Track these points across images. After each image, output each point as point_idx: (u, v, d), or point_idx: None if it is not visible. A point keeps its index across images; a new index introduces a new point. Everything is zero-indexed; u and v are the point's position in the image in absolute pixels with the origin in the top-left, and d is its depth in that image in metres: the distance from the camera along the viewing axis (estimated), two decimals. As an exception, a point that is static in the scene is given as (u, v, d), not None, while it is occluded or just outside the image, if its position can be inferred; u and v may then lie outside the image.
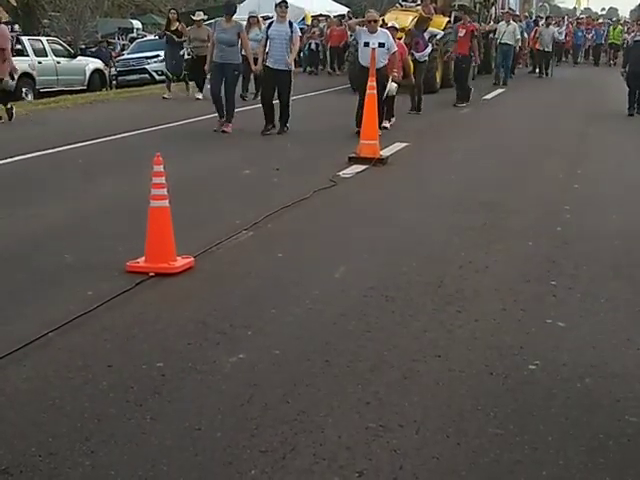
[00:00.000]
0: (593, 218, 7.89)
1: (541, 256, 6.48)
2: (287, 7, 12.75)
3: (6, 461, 3.38)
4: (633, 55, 16.55)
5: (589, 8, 79.01)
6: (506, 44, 22.83)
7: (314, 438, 3.58)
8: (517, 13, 28.49)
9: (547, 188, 9.24)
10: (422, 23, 16.19)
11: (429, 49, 15.93)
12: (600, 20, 40.02)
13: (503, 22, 23.70)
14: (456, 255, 6.44)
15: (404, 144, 12.00)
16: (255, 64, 13.09)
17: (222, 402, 3.91)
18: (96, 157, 10.67)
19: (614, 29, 35.39)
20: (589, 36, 35.27)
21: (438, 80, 20.34)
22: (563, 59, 34.82)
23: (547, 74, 27.10)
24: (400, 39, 14.88)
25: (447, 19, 21.04)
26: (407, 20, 19.16)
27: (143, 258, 5.88)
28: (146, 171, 6.15)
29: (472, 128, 14.64)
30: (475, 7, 24.13)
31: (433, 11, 20.43)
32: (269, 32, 12.68)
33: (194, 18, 17.76)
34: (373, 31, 12.18)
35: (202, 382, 4.13)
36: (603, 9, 71.65)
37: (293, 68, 12.74)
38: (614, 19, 43.60)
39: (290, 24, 12.78)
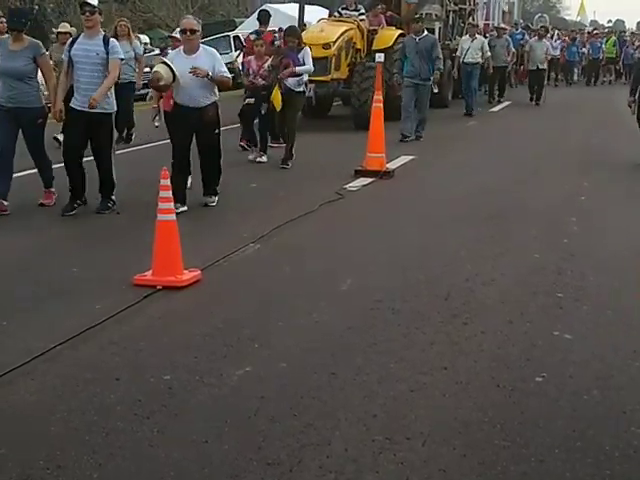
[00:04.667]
0: (600, 230, 7.89)
1: (548, 268, 6.48)
2: (93, 13, 8.14)
3: (14, 474, 3.39)
4: None
5: (595, 20, 78.92)
6: (469, 63, 18.48)
7: (321, 451, 3.59)
8: (503, 26, 24.19)
9: (553, 200, 9.24)
10: (293, 38, 11.25)
11: (305, 75, 11.35)
12: (596, 31, 33.93)
13: (467, 37, 19.08)
14: (462, 268, 6.45)
15: (410, 157, 12.03)
16: (57, 102, 8.18)
17: (229, 415, 3.92)
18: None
19: (607, 40, 31.31)
20: (584, 50, 30.56)
21: None
22: (560, 78, 30.15)
23: (539, 101, 21.28)
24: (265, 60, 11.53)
25: (399, 32, 16.25)
26: (334, 34, 15.26)
27: (151, 271, 5.91)
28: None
29: (478, 141, 14.65)
30: (448, 17, 20.38)
31: (384, 22, 16.55)
32: (71, 52, 8.11)
33: (58, 30, 12.24)
34: (190, 49, 8.18)
35: (209, 395, 4.15)
36: (609, 21, 71.41)
37: (114, 109, 8.26)
38: (603, 30, 38.07)
39: (105, 40, 8.13)
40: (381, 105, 10.80)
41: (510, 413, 3.97)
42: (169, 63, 7.88)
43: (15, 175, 8.37)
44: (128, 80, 12.27)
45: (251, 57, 11.94)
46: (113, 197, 8.37)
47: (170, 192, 6.02)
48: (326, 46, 14.80)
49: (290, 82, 11.05)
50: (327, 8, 17.95)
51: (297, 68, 10.91)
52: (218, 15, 43.21)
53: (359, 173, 10.33)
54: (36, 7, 30.23)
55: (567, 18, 73.82)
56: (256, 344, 4.83)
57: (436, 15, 19.14)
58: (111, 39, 8.27)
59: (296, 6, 17.22)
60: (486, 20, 25.64)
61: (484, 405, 4.05)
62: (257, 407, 3.99)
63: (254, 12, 28.42)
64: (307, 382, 4.30)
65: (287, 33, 11.47)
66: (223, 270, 6.35)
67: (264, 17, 14.07)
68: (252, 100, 11.49)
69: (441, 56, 14.12)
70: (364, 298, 5.69)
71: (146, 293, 5.65)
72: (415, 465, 3.48)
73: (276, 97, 10.86)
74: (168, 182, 6.02)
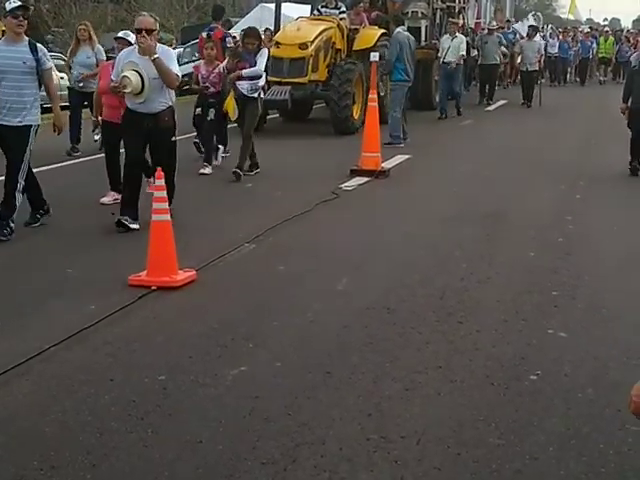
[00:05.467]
0: (595, 229, 7.89)
1: (543, 267, 6.49)
2: (27, 18, 7.36)
3: (9, 475, 3.39)
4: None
5: (591, 19, 78.89)
6: (449, 63, 17.36)
7: (315, 450, 3.59)
8: (495, 24, 22.03)
9: (549, 199, 9.25)
10: (253, 40, 10.19)
11: (262, 80, 10.34)
12: (587, 30, 32.87)
13: (447, 36, 17.96)
14: (458, 267, 6.45)
15: (406, 156, 12.03)
16: None
17: (224, 414, 3.92)
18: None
19: (605, 40, 30.48)
20: (574, 50, 29.55)
21: (356, 115, 14.30)
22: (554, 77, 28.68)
23: (530, 102, 20.27)
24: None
25: (381, 31, 15.34)
26: (312, 33, 14.40)
27: (145, 272, 5.90)
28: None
29: (472, 140, 14.65)
30: (435, 16, 19.10)
31: (366, 21, 15.71)
32: None
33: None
34: (145, 50, 7.30)
35: (204, 395, 4.15)
36: (605, 19, 71.55)
37: (37, 122, 7.39)
38: (603, 29, 35.94)
39: (32, 46, 7.26)
40: (376, 104, 10.78)
41: (504, 411, 3.97)
42: (141, 71, 7.29)
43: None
44: (92, 89, 10.96)
45: (200, 62, 11.02)
46: (12, 223, 7.26)
47: (164, 192, 6.03)
48: (303, 46, 14.11)
49: (243, 87, 10.03)
50: (310, 4, 17.20)
51: (244, 71, 9.98)
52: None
53: (354, 172, 10.33)
54: (32, 8, 30.18)
55: (563, 17, 73.69)
56: (251, 344, 4.83)
57: (422, 13, 18.11)
58: (39, 45, 7.37)
59: (292, 5, 17.01)
60: (477, 19, 24.30)
61: (479, 404, 4.05)
62: (252, 407, 3.99)
63: (250, 12, 28.42)
64: (302, 381, 4.30)
65: (246, 34, 10.42)
66: (218, 270, 6.35)
67: (217, 13, 12.99)
68: (200, 110, 10.75)
69: (391, 58, 13.08)
70: (359, 297, 5.69)
71: (141, 293, 5.64)
72: (409, 464, 3.49)
73: (229, 104, 9.99)
74: (162, 182, 6.03)
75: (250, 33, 10.34)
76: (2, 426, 3.82)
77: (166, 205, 6.01)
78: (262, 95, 10.38)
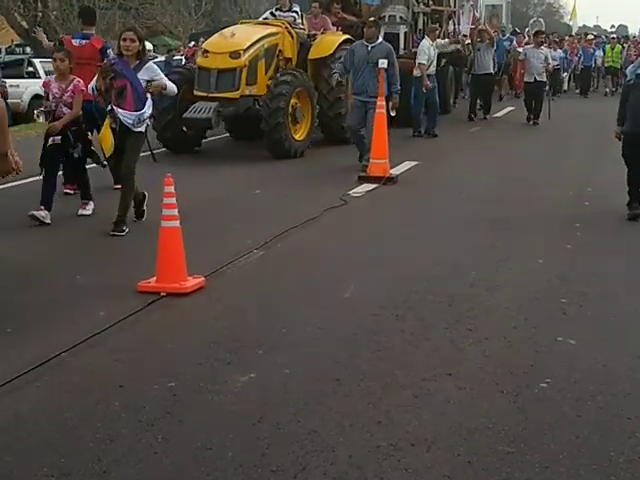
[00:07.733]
0: (603, 235, 7.88)
1: (551, 274, 6.48)
2: None
3: (19, 481, 3.40)
4: (636, 103, 8.31)
5: (598, 25, 78.88)
6: (430, 76, 14.97)
7: (325, 457, 3.58)
8: (486, 28, 19.41)
9: (557, 206, 9.23)
10: (130, 34, 7.59)
11: (149, 108, 7.67)
12: (589, 37, 30.01)
13: (426, 41, 15.03)
14: (467, 273, 6.44)
15: (413, 163, 12.01)
16: None
17: (233, 422, 3.92)
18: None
19: (612, 48, 27.31)
20: (575, 58, 27.17)
21: (299, 136, 12.43)
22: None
23: (537, 119, 17.52)
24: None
25: (343, 37, 13.46)
26: (248, 40, 12.30)
27: (154, 278, 5.92)
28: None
29: (481, 147, 14.64)
30: (416, 21, 17.14)
31: (330, 25, 13.83)
32: None
33: None
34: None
35: (213, 402, 4.15)
36: (612, 26, 71.41)
37: None
38: (612, 36, 32.20)
39: None
40: (384, 111, 10.75)
41: (514, 419, 3.97)
42: None
43: (12, 184, 8.35)
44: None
45: (51, 77, 8.54)
46: None
47: (174, 199, 6.03)
48: (234, 55, 12.01)
49: (126, 117, 7.51)
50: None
51: (169, 84, 7.81)
52: (222, 21, 43.31)
53: (362, 179, 10.33)
54: (39, 14, 30.26)
55: (570, 24, 73.54)
56: (260, 351, 4.83)
57: (401, 17, 16.35)
58: None
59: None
60: (473, 25, 23.22)
61: (488, 411, 4.04)
62: (261, 413, 3.99)
63: (258, 18, 28.44)
64: (311, 388, 4.30)
65: (122, 33, 7.73)
66: (227, 277, 6.36)
67: (89, 16, 10.07)
68: (58, 139, 8.02)
69: (398, 73, 11.14)
70: (368, 304, 5.68)
71: (150, 300, 5.65)
72: (419, 471, 3.48)
73: (105, 137, 7.56)
74: (172, 189, 6.03)
75: (129, 28, 7.96)
76: (12, 433, 3.83)
77: (175, 212, 6.02)
78: (149, 123, 8.06)
